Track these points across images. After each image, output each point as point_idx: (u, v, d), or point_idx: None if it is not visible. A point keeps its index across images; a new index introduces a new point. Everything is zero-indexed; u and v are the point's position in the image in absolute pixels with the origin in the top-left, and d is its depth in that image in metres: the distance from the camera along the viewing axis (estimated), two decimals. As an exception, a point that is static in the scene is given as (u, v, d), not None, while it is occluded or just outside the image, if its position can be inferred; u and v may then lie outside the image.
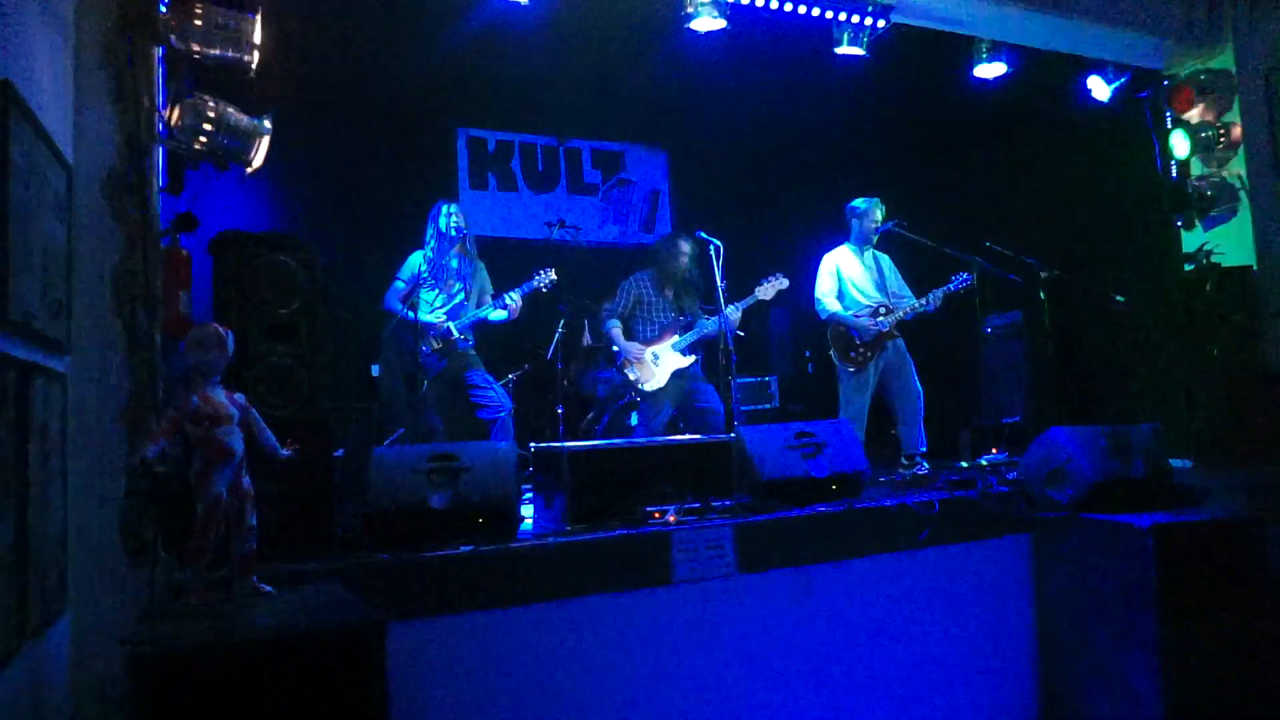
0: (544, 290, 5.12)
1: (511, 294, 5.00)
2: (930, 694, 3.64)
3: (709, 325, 5.21)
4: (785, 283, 5.25)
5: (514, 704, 2.94)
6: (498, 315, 5.04)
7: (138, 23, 2.83)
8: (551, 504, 3.46)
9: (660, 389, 5.27)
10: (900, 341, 5.21)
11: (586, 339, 6.52)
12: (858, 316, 5.17)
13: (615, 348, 5.38)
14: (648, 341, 5.34)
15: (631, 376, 5.30)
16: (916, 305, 5.15)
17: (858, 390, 5.14)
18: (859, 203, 5.37)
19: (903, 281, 5.40)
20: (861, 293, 5.26)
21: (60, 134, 2.56)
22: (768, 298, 5.25)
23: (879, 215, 5.30)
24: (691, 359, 5.29)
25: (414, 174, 6.70)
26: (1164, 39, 5.19)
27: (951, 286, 5.16)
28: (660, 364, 5.28)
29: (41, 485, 2.24)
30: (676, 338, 5.28)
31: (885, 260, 5.42)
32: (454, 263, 5.01)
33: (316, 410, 3.10)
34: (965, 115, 6.80)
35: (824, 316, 5.29)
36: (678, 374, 5.27)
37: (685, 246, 5.38)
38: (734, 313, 5.12)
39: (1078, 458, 3.68)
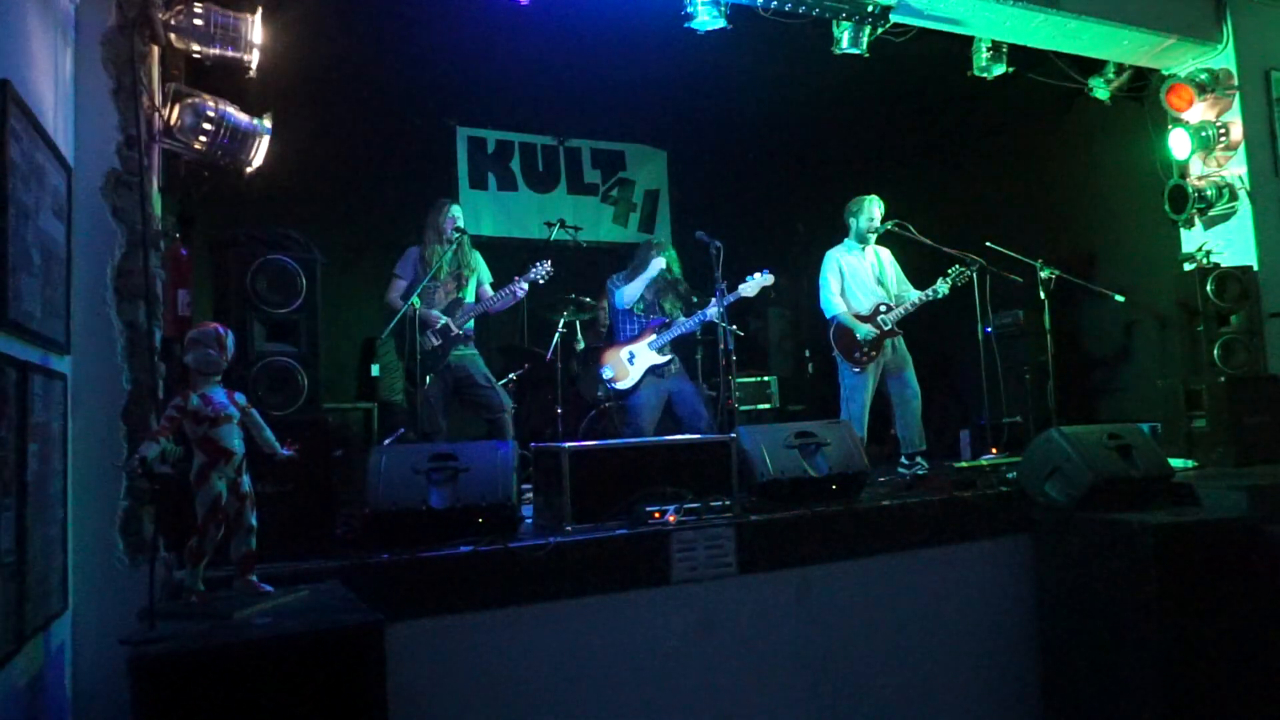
0: (541, 282, 5.11)
1: (510, 287, 5.00)
2: (929, 694, 3.64)
3: (687, 324, 5.23)
4: (770, 279, 5.21)
5: (514, 704, 2.94)
6: (498, 306, 5.03)
7: (137, 22, 2.83)
8: (551, 504, 3.46)
9: (634, 385, 5.28)
10: (900, 340, 5.21)
11: (581, 341, 6.52)
12: (860, 316, 5.18)
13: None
14: (627, 340, 5.37)
15: (607, 375, 5.36)
16: (917, 300, 5.14)
17: (859, 389, 5.14)
18: (855, 200, 5.38)
19: (903, 277, 5.40)
20: (863, 290, 5.26)
21: (60, 134, 2.56)
22: (752, 294, 5.22)
23: (877, 212, 5.29)
24: (667, 357, 5.29)
25: (414, 174, 6.70)
26: (1164, 38, 5.18)
27: (951, 278, 5.14)
28: (635, 362, 5.29)
29: (41, 485, 2.24)
30: (653, 336, 5.29)
31: (886, 256, 5.41)
32: (451, 258, 5.01)
33: (316, 410, 3.10)
34: (966, 115, 6.81)
35: (829, 315, 5.28)
36: (653, 370, 5.26)
37: (661, 262, 5.38)
38: (714, 310, 5.05)
39: (1078, 458, 3.68)
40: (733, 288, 5.15)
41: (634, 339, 5.34)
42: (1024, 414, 6.10)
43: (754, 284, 5.20)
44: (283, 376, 3.03)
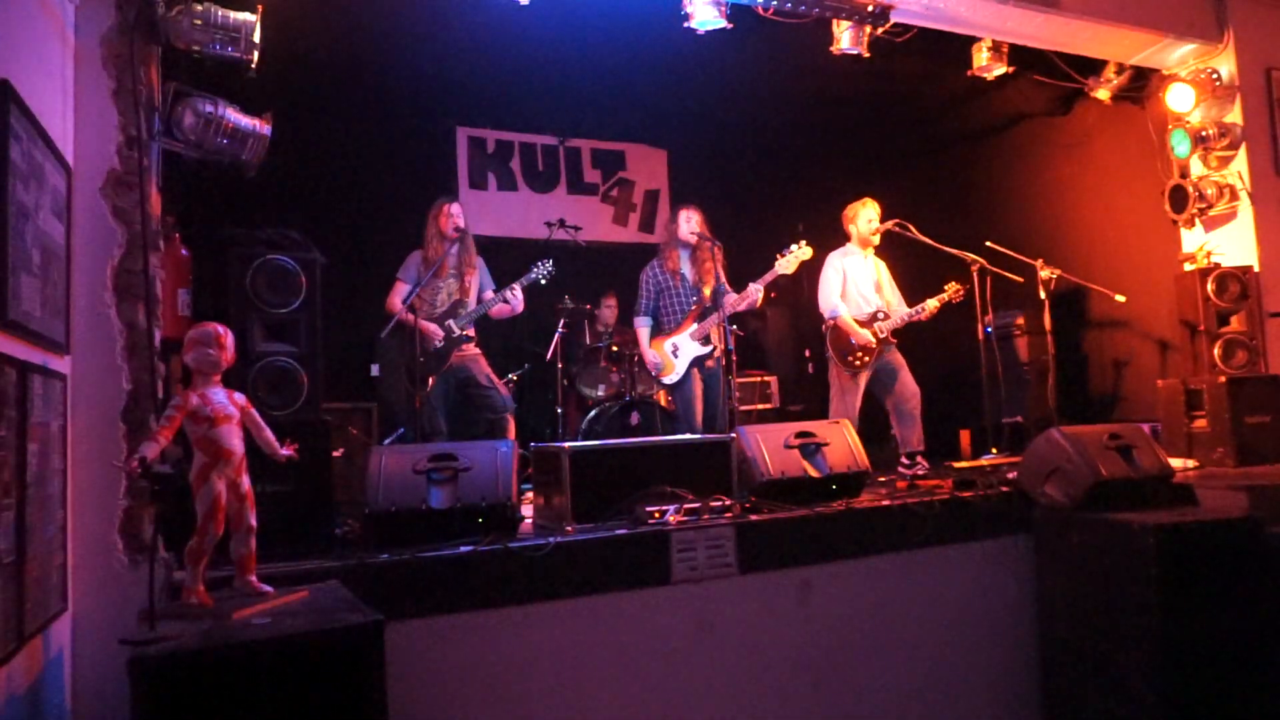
0: (543, 282, 5.09)
1: (511, 287, 4.99)
2: (930, 694, 3.64)
3: (718, 307, 5.05)
4: (809, 252, 5.05)
5: (514, 704, 2.94)
6: (499, 310, 5.02)
7: (138, 22, 2.83)
8: (551, 504, 3.46)
9: (680, 380, 5.21)
10: (892, 348, 5.20)
11: (585, 339, 6.52)
12: (859, 320, 5.17)
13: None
14: (670, 331, 5.30)
15: (654, 372, 5.30)
16: (910, 313, 5.15)
17: (847, 392, 5.14)
18: (851, 207, 5.37)
19: (897, 289, 5.41)
20: (863, 295, 5.27)
21: (60, 134, 2.56)
22: (789, 271, 5.06)
23: (874, 216, 5.29)
24: (709, 348, 5.18)
25: (414, 174, 6.70)
26: (1164, 38, 5.18)
27: (945, 296, 5.14)
28: (679, 355, 5.22)
29: (41, 485, 2.24)
30: (694, 325, 5.21)
31: (883, 267, 5.43)
32: (452, 260, 5.01)
33: (316, 410, 3.10)
34: (966, 115, 6.81)
35: (829, 316, 5.27)
36: (696, 362, 5.21)
37: (679, 218, 5.30)
38: (756, 290, 5.02)
39: (1078, 458, 3.68)
40: (734, 289, 5.14)
41: (676, 329, 5.26)
42: (1024, 414, 6.10)
43: (791, 259, 5.03)
44: (283, 376, 3.03)
